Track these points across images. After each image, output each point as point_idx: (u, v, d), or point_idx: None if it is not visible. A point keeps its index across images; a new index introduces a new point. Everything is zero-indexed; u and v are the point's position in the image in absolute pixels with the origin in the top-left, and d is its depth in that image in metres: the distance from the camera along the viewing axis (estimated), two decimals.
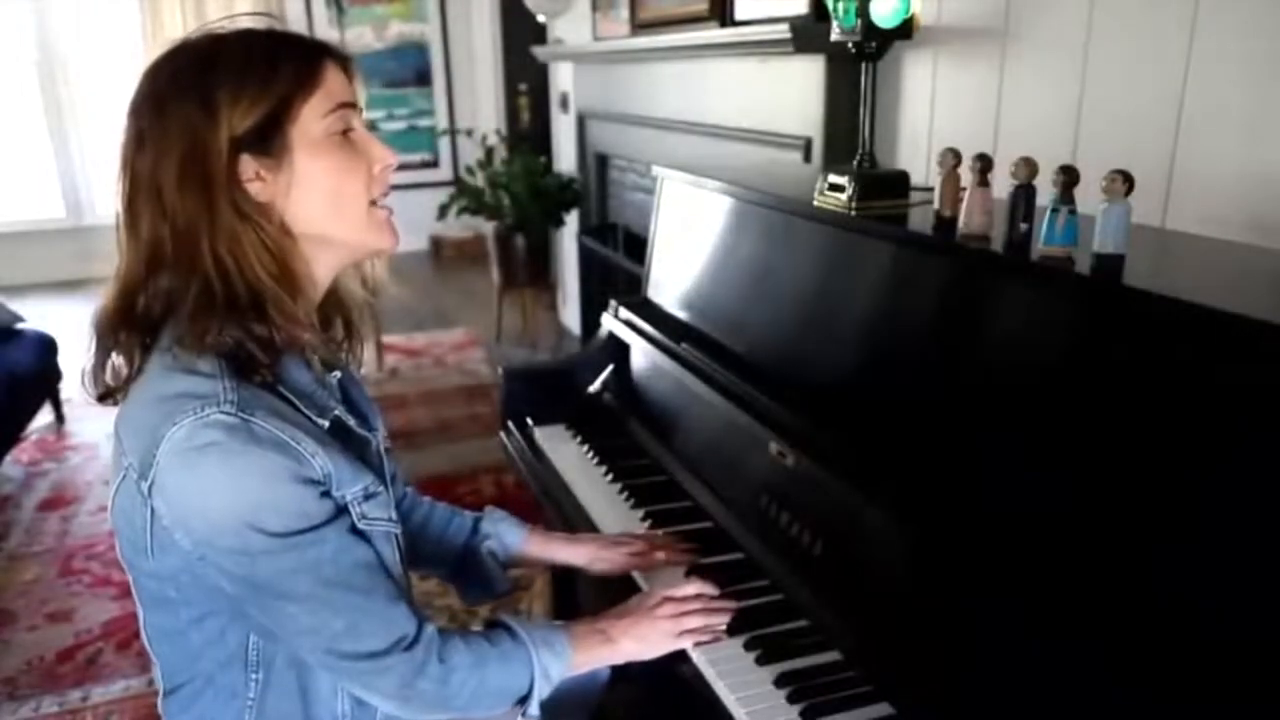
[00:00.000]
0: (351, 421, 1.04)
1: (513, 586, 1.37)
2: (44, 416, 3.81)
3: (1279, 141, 1.29)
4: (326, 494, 0.93)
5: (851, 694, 1.05)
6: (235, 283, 0.91)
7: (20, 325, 3.61)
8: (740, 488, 1.40)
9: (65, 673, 2.29)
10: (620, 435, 1.76)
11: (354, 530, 0.96)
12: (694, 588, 1.19)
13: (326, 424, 0.99)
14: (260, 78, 0.91)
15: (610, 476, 1.63)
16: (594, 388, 1.87)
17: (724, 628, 1.16)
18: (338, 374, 1.09)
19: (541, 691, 1.05)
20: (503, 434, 1.91)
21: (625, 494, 1.57)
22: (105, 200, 6.54)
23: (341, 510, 0.95)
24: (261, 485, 0.89)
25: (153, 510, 0.92)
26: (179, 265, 0.92)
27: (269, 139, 0.92)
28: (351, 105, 0.97)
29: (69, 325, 4.19)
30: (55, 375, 3.77)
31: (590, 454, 1.72)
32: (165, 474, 0.89)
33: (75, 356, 3.75)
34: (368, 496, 0.98)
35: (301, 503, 0.91)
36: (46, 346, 3.65)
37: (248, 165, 0.92)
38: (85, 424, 3.91)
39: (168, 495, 0.90)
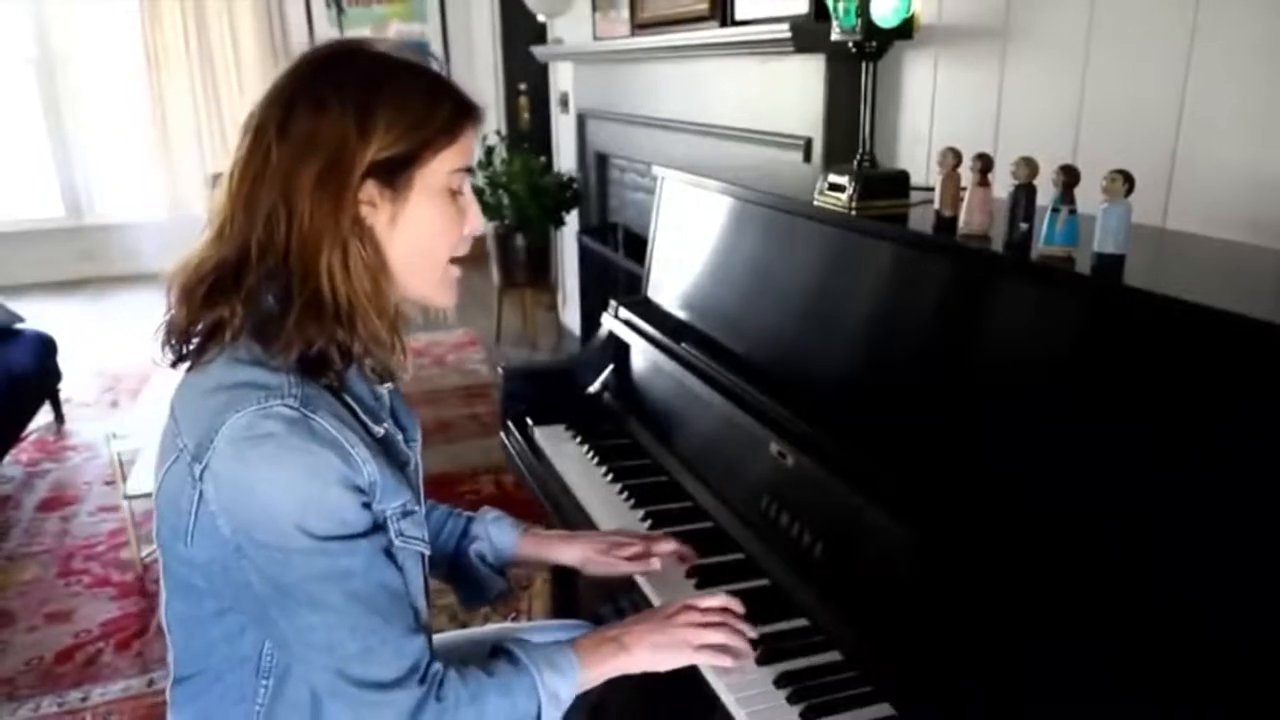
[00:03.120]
0: (399, 437, 1.07)
1: (509, 589, 1.35)
2: (44, 416, 3.81)
3: (1279, 141, 1.29)
4: (367, 506, 0.94)
5: (852, 694, 1.05)
6: (340, 294, 0.94)
7: (20, 325, 3.61)
8: (740, 488, 1.40)
9: (64, 673, 2.29)
10: (620, 435, 1.76)
11: (387, 553, 0.96)
12: (718, 601, 1.13)
13: (381, 432, 1.01)
14: (416, 115, 0.95)
15: (610, 477, 1.63)
16: (594, 388, 1.87)
17: (745, 650, 1.09)
18: (390, 386, 1.10)
19: (551, 715, 1.02)
20: (503, 434, 1.91)
21: (625, 494, 1.57)
22: (105, 200, 6.56)
23: (378, 527, 0.96)
24: (310, 483, 0.90)
25: (201, 494, 0.92)
26: (291, 264, 0.93)
27: (397, 173, 0.95)
28: (471, 170, 1.02)
29: (69, 325, 4.20)
30: (55, 375, 3.77)
31: (590, 454, 1.72)
32: (220, 459, 0.90)
33: (75, 356, 3.77)
34: (405, 514, 0.99)
35: (344, 508, 0.91)
36: (46, 346, 3.65)
37: (369, 189, 0.95)
38: (85, 424, 3.91)
39: (219, 480, 0.91)
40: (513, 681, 1.01)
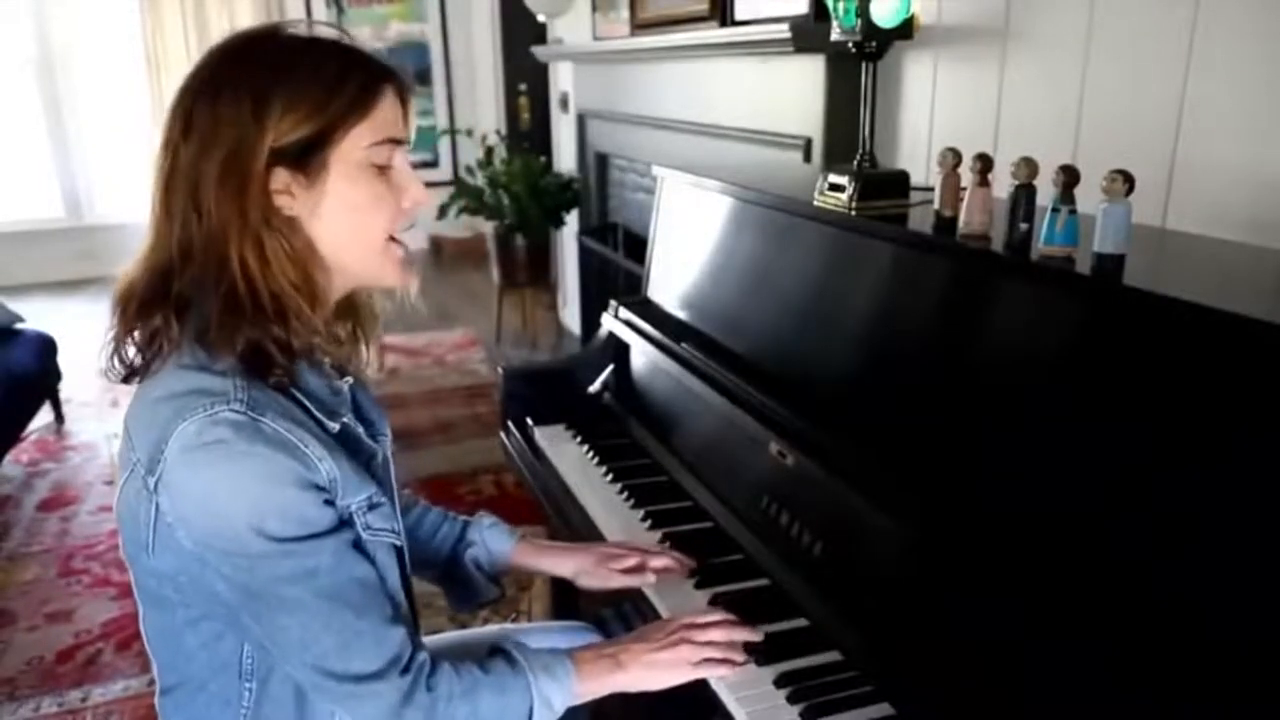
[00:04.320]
0: (360, 430, 1.05)
1: (501, 594, 1.33)
2: (44, 416, 3.81)
3: (1279, 141, 1.29)
4: (329, 503, 0.93)
5: (852, 694, 1.05)
6: (259, 288, 0.91)
7: (20, 325, 3.61)
8: (740, 488, 1.40)
9: (65, 673, 2.29)
10: (620, 435, 1.76)
11: (356, 546, 0.95)
12: (715, 615, 1.14)
13: (336, 428, 0.99)
14: (318, 95, 0.91)
15: (610, 477, 1.63)
16: (594, 388, 1.87)
17: (742, 660, 1.09)
18: (349, 380, 1.08)
19: (543, 717, 1.02)
20: (503, 434, 1.91)
21: (625, 494, 1.57)
22: (105, 200, 6.56)
23: (344, 523, 0.95)
24: (265, 486, 0.88)
25: (157, 506, 0.91)
26: (208, 263, 0.91)
27: (308, 157, 0.92)
28: (398, 141, 0.97)
29: (69, 325, 4.20)
30: (55, 375, 3.77)
31: (590, 454, 1.72)
32: (172, 470, 0.89)
33: (75, 356, 3.77)
34: (371, 507, 0.98)
35: (303, 508, 0.90)
36: (46, 346, 3.65)
37: (280, 177, 0.92)
38: (85, 424, 3.91)
39: (173, 491, 0.89)
40: (508, 681, 1.01)
